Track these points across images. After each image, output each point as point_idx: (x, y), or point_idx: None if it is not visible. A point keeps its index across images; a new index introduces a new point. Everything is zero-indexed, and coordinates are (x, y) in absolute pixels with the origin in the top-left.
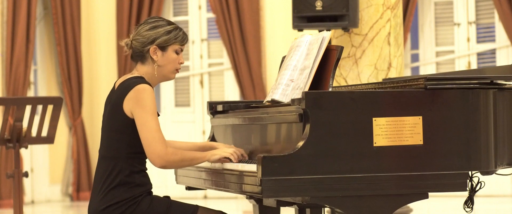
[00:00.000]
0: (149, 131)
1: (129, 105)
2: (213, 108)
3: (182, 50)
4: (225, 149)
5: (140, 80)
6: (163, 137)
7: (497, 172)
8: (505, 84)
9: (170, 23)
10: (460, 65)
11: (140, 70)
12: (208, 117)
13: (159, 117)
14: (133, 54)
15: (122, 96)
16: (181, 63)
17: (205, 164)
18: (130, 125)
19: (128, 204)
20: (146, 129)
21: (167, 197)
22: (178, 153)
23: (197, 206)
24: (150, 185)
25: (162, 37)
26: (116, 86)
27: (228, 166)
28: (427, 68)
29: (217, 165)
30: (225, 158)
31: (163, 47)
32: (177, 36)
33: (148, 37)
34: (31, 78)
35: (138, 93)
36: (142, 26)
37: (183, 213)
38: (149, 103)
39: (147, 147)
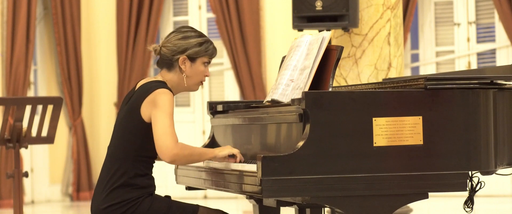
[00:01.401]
0: (161, 127)
1: (147, 108)
2: (213, 108)
3: (209, 63)
4: (231, 148)
5: (162, 84)
6: (175, 134)
7: (497, 172)
8: (505, 84)
9: (201, 35)
10: (460, 65)
11: (165, 77)
12: (208, 117)
13: None
14: (160, 60)
15: (141, 99)
16: (207, 76)
17: (205, 164)
18: (143, 128)
19: (129, 205)
20: (159, 125)
21: (168, 197)
22: (187, 147)
23: (197, 206)
24: (154, 188)
25: (193, 49)
26: (136, 87)
27: (231, 166)
28: (427, 68)
29: (219, 165)
30: (233, 156)
31: (192, 59)
32: (207, 49)
33: (179, 47)
34: (31, 78)
35: (157, 95)
36: (174, 35)
37: (183, 213)
38: (167, 105)
39: (157, 141)
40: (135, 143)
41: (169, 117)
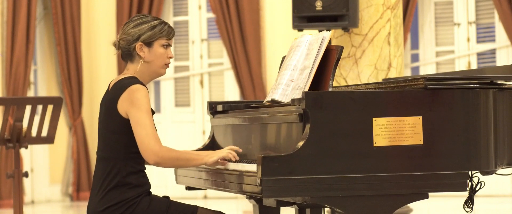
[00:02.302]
0: (143, 128)
1: (123, 106)
2: (213, 108)
3: (169, 45)
4: (221, 150)
5: (134, 80)
6: (156, 135)
7: (497, 172)
8: (505, 84)
9: (155, 18)
10: (460, 65)
11: (130, 69)
12: (208, 117)
13: (157, 116)
14: (122, 54)
15: (116, 98)
16: (170, 57)
17: None
18: (126, 125)
19: (127, 205)
20: (140, 126)
21: (167, 197)
22: (173, 151)
23: (196, 207)
24: (149, 185)
25: (146, 33)
26: (110, 88)
27: (230, 166)
28: (427, 68)
29: (219, 165)
30: (224, 159)
31: (148, 43)
32: (162, 31)
33: (132, 35)
34: (31, 78)
35: (132, 94)
36: (127, 25)
37: (182, 213)
38: (143, 103)
39: (141, 143)
40: (121, 141)
41: (147, 116)
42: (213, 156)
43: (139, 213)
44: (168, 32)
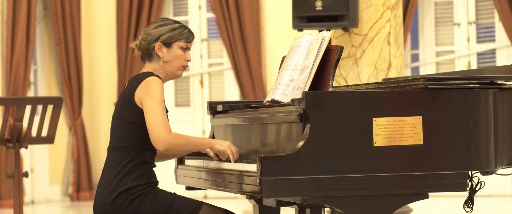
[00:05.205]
0: (153, 116)
1: (139, 96)
2: (213, 108)
3: (188, 48)
4: (229, 145)
5: (150, 74)
6: (167, 123)
7: (497, 172)
8: (505, 84)
9: (176, 22)
10: (460, 65)
11: (148, 67)
12: (208, 117)
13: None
14: (142, 54)
15: (134, 89)
16: (188, 60)
17: (205, 164)
18: (142, 116)
19: (136, 194)
20: (151, 114)
21: (173, 193)
22: (181, 136)
23: (201, 203)
24: (157, 180)
25: (166, 34)
26: (126, 85)
27: (227, 166)
28: (427, 68)
29: (219, 165)
30: (225, 154)
31: (167, 44)
32: (181, 33)
33: (153, 35)
34: (31, 78)
35: (147, 84)
36: (149, 26)
37: (186, 207)
38: (157, 93)
39: (151, 131)
40: (137, 131)
41: (160, 105)
42: (222, 144)
43: (145, 204)
44: (187, 36)
